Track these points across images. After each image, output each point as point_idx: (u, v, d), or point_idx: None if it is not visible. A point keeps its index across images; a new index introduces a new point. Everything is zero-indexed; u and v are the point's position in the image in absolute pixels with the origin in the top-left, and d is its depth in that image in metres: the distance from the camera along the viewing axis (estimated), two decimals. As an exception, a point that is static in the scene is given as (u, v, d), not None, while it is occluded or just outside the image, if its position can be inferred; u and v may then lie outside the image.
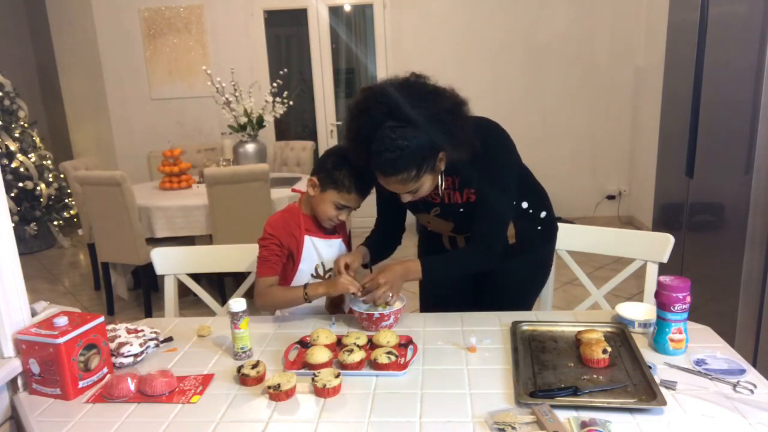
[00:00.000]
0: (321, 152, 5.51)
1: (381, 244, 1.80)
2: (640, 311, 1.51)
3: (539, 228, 1.75)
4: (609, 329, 1.47)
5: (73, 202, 5.07)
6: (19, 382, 1.35)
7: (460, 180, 1.58)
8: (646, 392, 1.18)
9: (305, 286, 1.61)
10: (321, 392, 1.24)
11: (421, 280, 1.91)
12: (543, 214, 1.76)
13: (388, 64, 5.30)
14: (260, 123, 4.15)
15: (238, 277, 1.84)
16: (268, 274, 1.67)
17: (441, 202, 1.63)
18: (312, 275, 1.73)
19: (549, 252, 1.83)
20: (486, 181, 1.55)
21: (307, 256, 1.70)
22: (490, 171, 1.55)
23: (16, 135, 5.13)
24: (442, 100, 1.43)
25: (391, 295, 1.55)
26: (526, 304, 1.78)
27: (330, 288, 1.60)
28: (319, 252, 1.72)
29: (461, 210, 1.62)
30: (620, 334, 1.44)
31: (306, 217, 1.72)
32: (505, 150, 1.57)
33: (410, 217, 1.78)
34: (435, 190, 1.58)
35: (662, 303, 1.35)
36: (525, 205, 1.71)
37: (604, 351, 1.30)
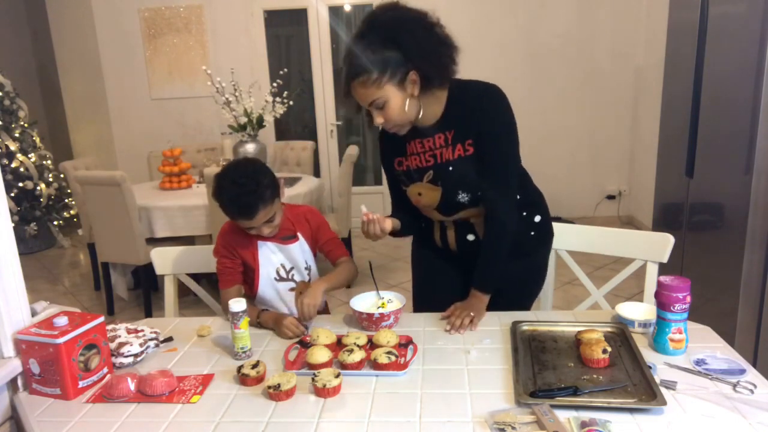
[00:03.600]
0: (321, 152, 5.53)
1: (405, 222, 1.80)
2: (640, 311, 1.51)
3: (532, 233, 1.72)
4: (609, 329, 1.47)
5: (73, 202, 5.07)
6: (19, 382, 1.35)
7: (455, 134, 1.57)
8: (646, 392, 1.18)
9: (260, 313, 1.63)
10: (321, 392, 1.24)
11: (415, 280, 1.91)
12: (537, 219, 1.73)
13: (388, 64, 5.30)
14: (260, 123, 4.15)
15: (238, 277, 1.88)
16: (226, 287, 1.70)
17: (434, 163, 1.60)
18: (275, 279, 1.72)
19: (544, 256, 1.80)
20: (489, 135, 1.54)
21: (265, 262, 1.70)
22: (494, 124, 1.55)
23: (16, 135, 5.13)
24: (412, 12, 1.51)
25: (468, 322, 1.56)
26: (521, 308, 1.75)
27: (276, 327, 1.59)
28: (277, 256, 1.71)
29: (450, 168, 1.58)
30: (620, 334, 1.44)
31: None
32: (506, 105, 1.56)
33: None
34: (429, 151, 1.59)
35: (662, 303, 1.35)
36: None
37: (604, 351, 1.30)
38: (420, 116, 1.56)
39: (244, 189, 1.55)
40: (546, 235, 1.78)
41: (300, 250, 1.74)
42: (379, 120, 1.53)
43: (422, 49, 1.47)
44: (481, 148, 1.56)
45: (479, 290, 1.62)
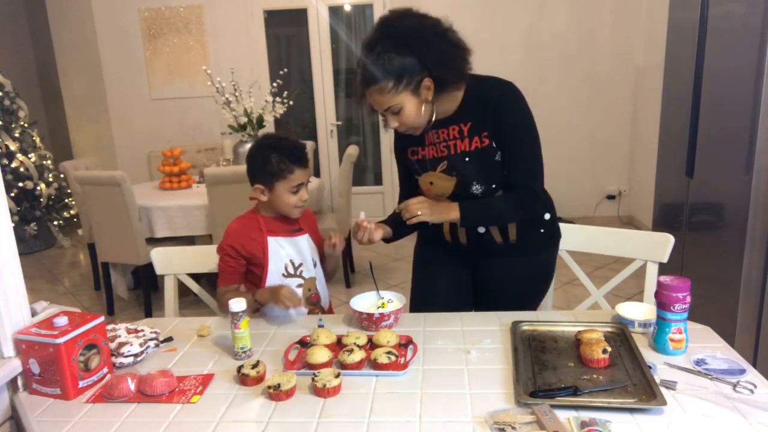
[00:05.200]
0: (321, 152, 5.53)
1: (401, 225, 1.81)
2: (640, 311, 1.51)
3: (542, 230, 1.73)
4: (609, 329, 1.47)
5: (73, 202, 5.07)
6: (19, 382, 1.35)
7: (471, 126, 1.60)
8: (646, 392, 1.18)
9: (254, 293, 1.66)
10: (321, 392, 1.24)
11: (414, 280, 1.91)
12: (547, 216, 1.74)
13: (388, 64, 5.30)
14: (260, 123, 4.15)
15: (238, 277, 1.90)
16: (224, 284, 1.72)
17: (448, 154, 1.63)
18: (283, 275, 1.73)
19: (551, 256, 1.80)
20: (510, 128, 1.58)
21: (273, 257, 1.71)
22: (514, 117, 1.59)
23: (16, 135, 5.13)
24: (426, 20, 1.53)
25: (420, 213, 1.55)
26: (528, 308, 1.74)
27: (274, 297, 1.60)
28: (286, 251, 1.73)
29: (467, 159, 1.61)
30: (620, 334, 1.44)
31: (267, 220, 1.73)
32: (523, 100, 1.60)
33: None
34: (444, 142, 1.62)
35: (662, 303, 1.35)
36: None
37: (604, 351, 1.30)
38: (433, 116, 1.60)
39: (292, 141, 1.68)
40: (554, 234, 1.79)
41: (307, 244, 1.77)
42: (393, 124, 1.57)
43: (437, 56, 1.50)
44: (504, 142, 1.59)
45: (458, 206, 1.59)
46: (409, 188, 1.80)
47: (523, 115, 1.59)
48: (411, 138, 1.67)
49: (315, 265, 1.79)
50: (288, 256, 1.73)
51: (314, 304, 1.78)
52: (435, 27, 1.52)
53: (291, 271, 1.74)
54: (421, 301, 1.83)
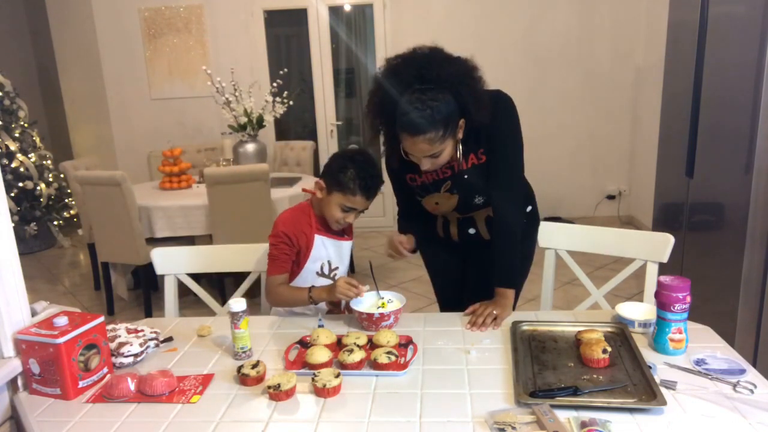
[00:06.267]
0: (321, 152, 5.53)
1: (416, 227, 1.85)
2: (640, 311, 1.51)
3: (524, 221, 1.78)
4: (609, 329, 1.47)
5: (73, 202, 5.07)
6: (19, 382, 1.35)
7: (465, 149, 1.63)
8: (646, 392, 1.18)
9: (310, 289, 1.66)
10: (321, 392, 1.24)
11: (436, 283, 2.01)
12: (528, 209, 1.82)
13: (388, 64, 5.30)
14: (260, 123, 4.15)
15: (238, 277, 1.87)
16: (277, 273, 1.72)
17: (452, 174, 1.66)
18: (317, 273, 1.75)
19: (531, 243, 1.86)
20: (497, 142, 1.62)
21: (315, 255, 1.73)
22: (502, 132, 1.62)
23: (16, 135, 5.13)
24: (464, 64, 1.54)
25: (503, 316, 1.58)
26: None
27: (331, 294, 1.63)
28: (327, 251, 1.75)
29: (465, 177, 1.66)
30: (620, 334, 1.44)
31: (317, 217, 1.75)
32: (515, 115, 1.65)
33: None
34: (446, 164, 1.64)
35: (662, 303, 1.35)
36: None
37: (604, 351, 1.30)
38: (459, 151, 1.62)
39: (376, 172, 1.66)
40: (535, 223, 1.87)
41: (349, 250, 1.81)
42: (427, 166, 1.57)
43: (477, 100, 1.52)
44: (493, 153, 1.63)
45: (501, 287, 1.64)
46: (409, 206, 1.83)
47: (512, 132, 1.64)
48: (408, 165, 1.67)
49: (347, 270, 1.83)
50: (327, 256, 1.76)
51: (335, 305, 1.81)
52: (471, 70, 1.54)
53: (325, 271, 1.76)
54: (449, 300, 1.93)
